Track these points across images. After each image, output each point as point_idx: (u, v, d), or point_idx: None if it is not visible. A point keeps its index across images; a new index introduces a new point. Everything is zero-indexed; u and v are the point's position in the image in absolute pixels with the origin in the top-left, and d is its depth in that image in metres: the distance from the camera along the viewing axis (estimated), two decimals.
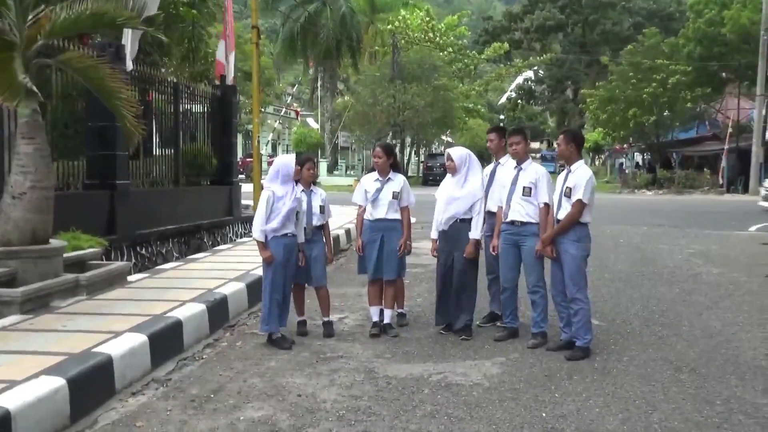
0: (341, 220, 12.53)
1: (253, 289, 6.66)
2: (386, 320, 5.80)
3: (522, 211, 5.45)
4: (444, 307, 5.72)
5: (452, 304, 5.66)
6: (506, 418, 3.88)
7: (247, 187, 13.62)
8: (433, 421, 3.84)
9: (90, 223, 7.51)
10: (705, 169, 31.68)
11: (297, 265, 5.52)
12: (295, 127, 50.33)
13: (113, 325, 4.97)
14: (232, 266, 7.88)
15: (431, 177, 36.26)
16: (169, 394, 4.32)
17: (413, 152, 47.03)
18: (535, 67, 54.52)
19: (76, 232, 6.94)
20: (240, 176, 15.75)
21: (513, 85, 65.05)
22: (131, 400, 4.20)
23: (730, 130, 30.05)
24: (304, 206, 5.57)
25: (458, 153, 5.71)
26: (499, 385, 4.47)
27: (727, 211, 19.06)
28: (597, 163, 53.19)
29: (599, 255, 8.99)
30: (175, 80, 10.81)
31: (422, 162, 45.44)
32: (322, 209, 5.72)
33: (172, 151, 10.59)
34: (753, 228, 14.71)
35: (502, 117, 66.99)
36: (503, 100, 70.41)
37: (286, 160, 5.52)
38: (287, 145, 51.36)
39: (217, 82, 12.58)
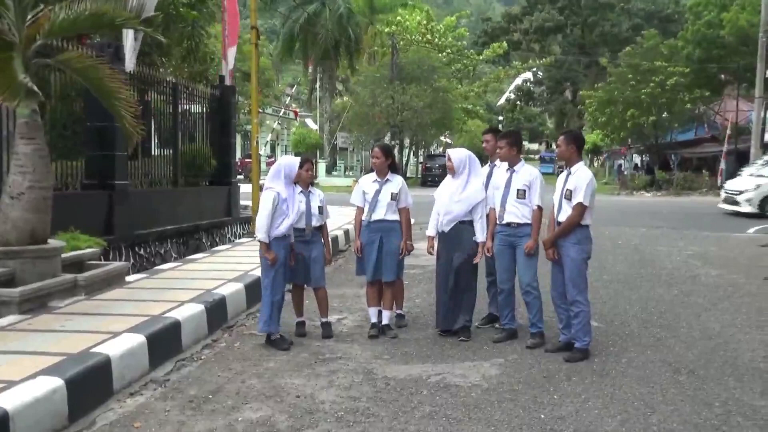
0: (340, 220, 12.51)
1: (252, 289, 6.65)
2: (385, 321, 5.80)
3: (518, 213, 5.46)
4: (445, 311, 5.69)
5: (452, 305, 5.65)
6: (505, 420, 3.88)
7: (245, 188, 13.60)
8: (432, 422, 3.84)
9: (88, 223, 7.51)
10: (703, 171, 31.69)
11: (289, 264, 5.52)
12: (294, 127, 50.31)
13: (111, 325, 4.97)
14: (230, 267, 7.88)
15: (430, 178, 36.29)
16: (168, 394, 4.32)
17: (412, 153, 47.03)
18: (534, 69, 54.55)
19: (75, 233, 6.95)
20: (239, 177, 15.75)
21: (512, 87, 65.16)
22: (129, 400, 4.20)
23: (728, 132, 30.03)
24: (303, 207, 5.58)
25: (457, 154, 5.72)
26: (498, 386, 4.47)
27: (725, 213, 19.05)
28: (595, 164, 53.19)
29: (598, 256, 8.96)
30: (174, 80, 10.81)
31: (421, 163, 45.42)
32: (321, 210, 5.72)
33: (171, 151, 10.59)
34: (751, 230, 14.72)
35: (500, 118, 67.15)
36: (502, 101, 70.57)
37: (291, 161, 5.52)
38: (286, 146, 51.34)
39: (216, 83, 12.59)
